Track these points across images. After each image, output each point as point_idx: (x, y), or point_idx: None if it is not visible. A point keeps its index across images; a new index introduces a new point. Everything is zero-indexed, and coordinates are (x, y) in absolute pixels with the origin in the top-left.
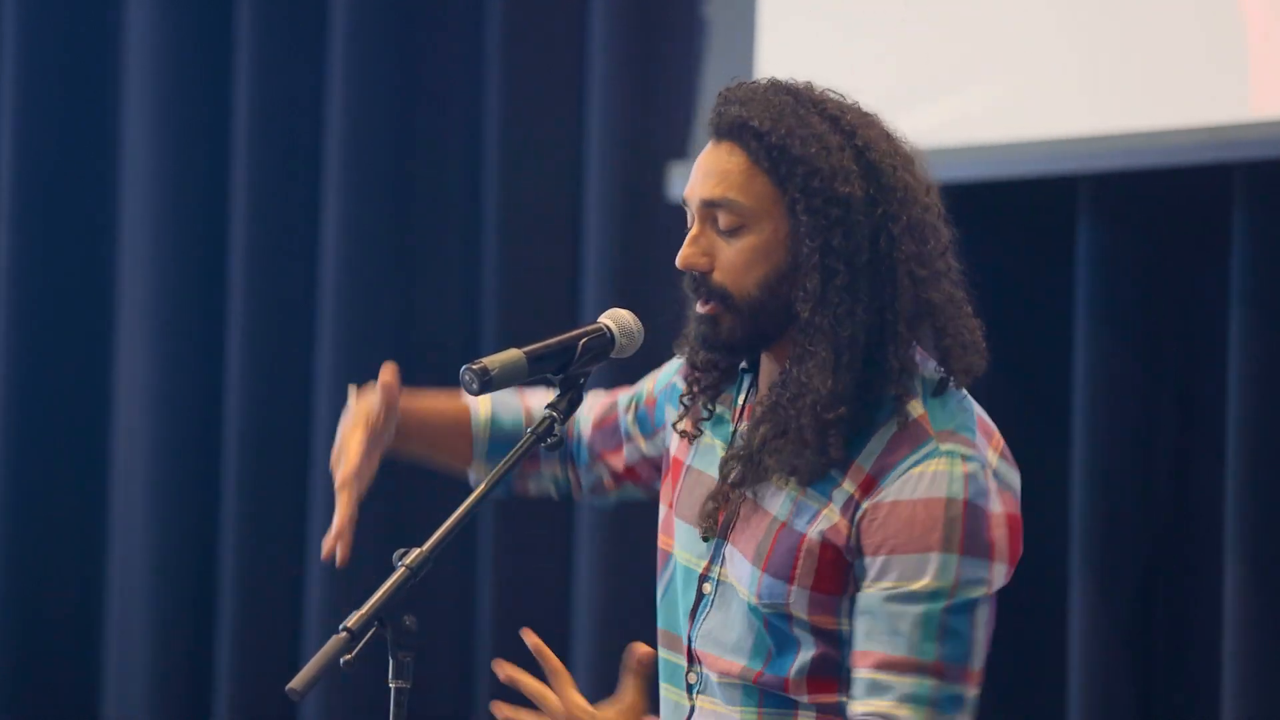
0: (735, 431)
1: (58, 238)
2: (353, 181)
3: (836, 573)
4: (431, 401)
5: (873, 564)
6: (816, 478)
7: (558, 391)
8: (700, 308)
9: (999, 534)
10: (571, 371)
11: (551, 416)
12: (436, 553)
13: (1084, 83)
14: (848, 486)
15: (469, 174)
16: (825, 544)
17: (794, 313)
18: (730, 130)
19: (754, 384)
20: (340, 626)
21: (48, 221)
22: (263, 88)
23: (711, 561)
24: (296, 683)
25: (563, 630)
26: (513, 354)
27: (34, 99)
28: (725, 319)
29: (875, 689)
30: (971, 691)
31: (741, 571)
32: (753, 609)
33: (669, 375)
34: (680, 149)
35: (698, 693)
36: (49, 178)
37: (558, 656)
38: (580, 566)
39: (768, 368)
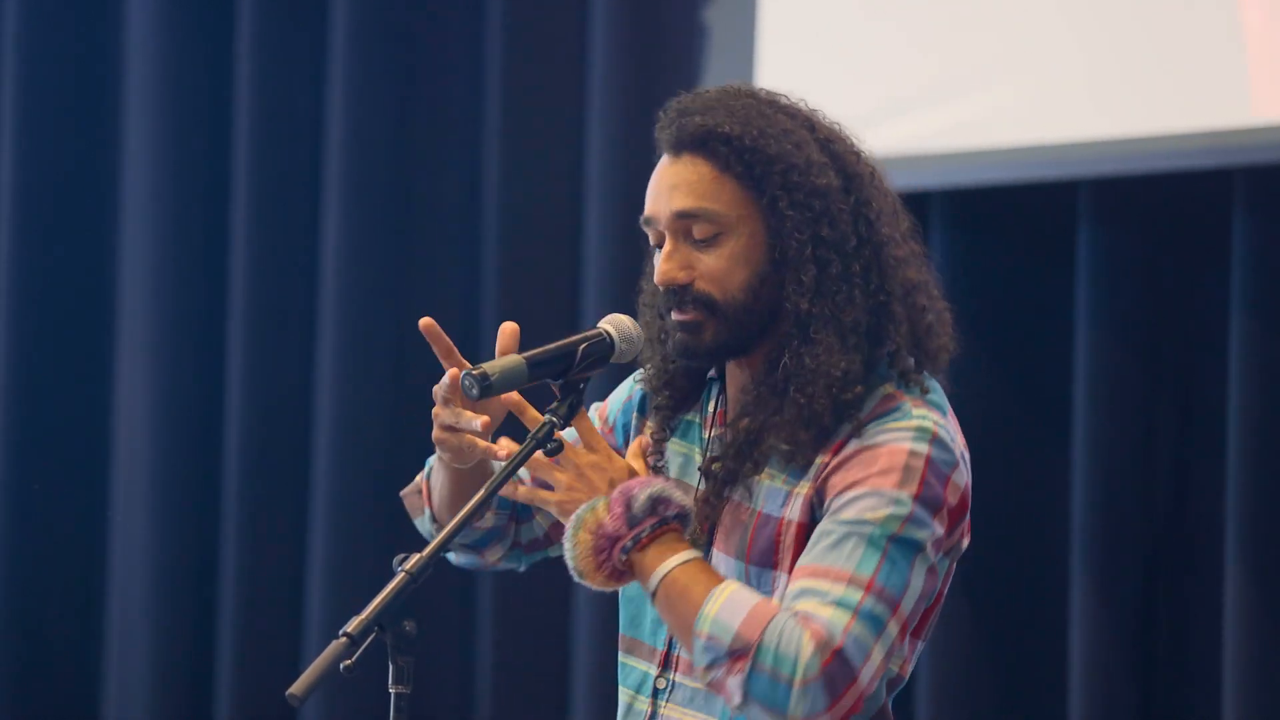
0: (709, 438)
1: (59, 244)
2: (353, 187)
3: None
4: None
5: (831, 503)
6: (808, 457)
7: (558, 397)
8: (678, 315)
9: (952, 500)
10: (572, 376)
11: (551, 422)
12: (437, 558)
13: (1085, 88)
14: (822, 460)
15: (469, 180)
16: (800, 524)
17: (779, 311)
18: (693, 141)
19: (723, 390)
20: (340, 631)
21: (49, 228)
22: (263, 95)
23: None
24: (296, 688)
25: (563, 634)
26: (513, 359)
27: (35, 106)
28: (709, 326)
29: (806, 594)
30: (894, 628)
31: (726, 570)
32: None
33: (622, 398)
34: None
35: (666, 699)
36: (50, 186)
37: (559, 660)
38: None
39: (735, 375)
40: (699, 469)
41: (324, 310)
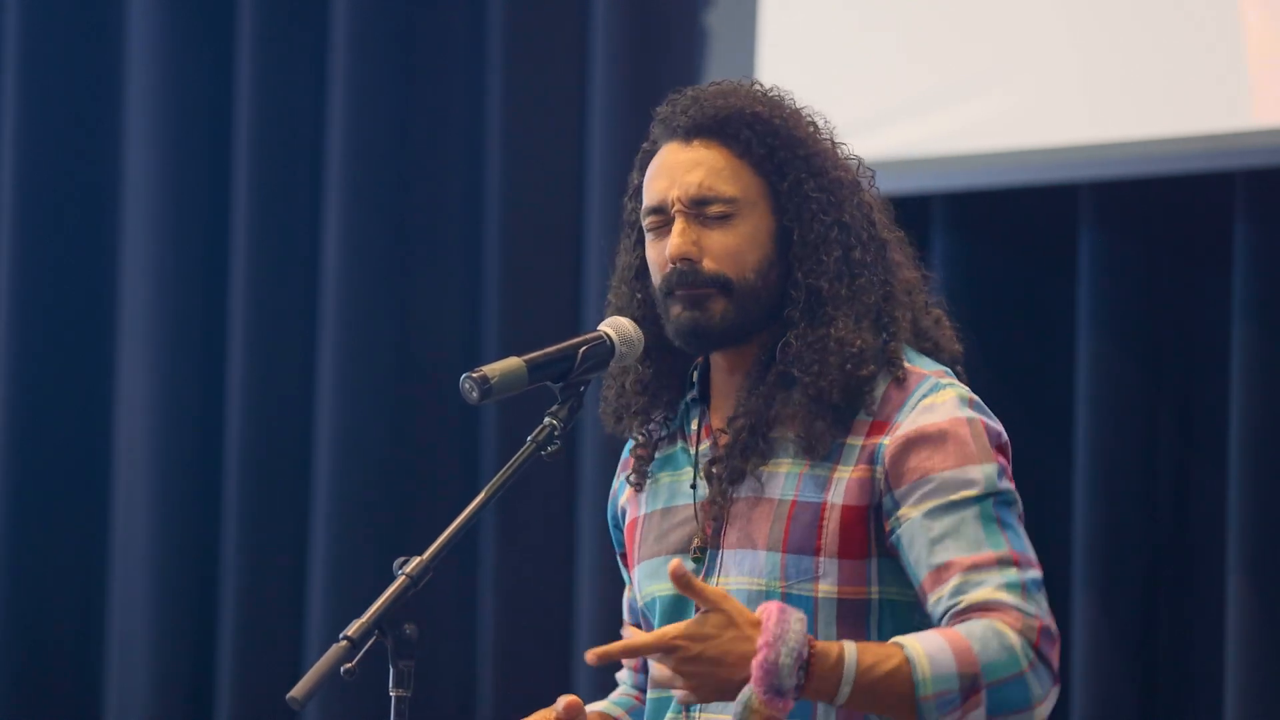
0: (697, 453)
1: (59, 244)
2: (354, 191)
3: (862, 534)
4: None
5: (912, 489)
6: (826, 445)
7: (559, 399)
8: (688, 291)
9: (1003, 444)
10: (572, 379)
11: (552, 424)
12: (437, 561)
13: (1086, 91)
14: (855, 441)
15: (470, 183)
16: (848, 506)
17: (784, 299)
18: (712, 126)
19: (707, 409)
20: (341, 635)
21: (49, 228)
22: (264, 96)
23: (706, 576)
24: (297, 692)
25: (564, 638)
26: (513, 362)
27: (36, 106)
28: (717, 304)
29: (968, 586)
30: (1041, 576)
31: (752, 564)
32: (767, 600)
33: (612, 515)
34: None
35: (700, 709)
36: (50, 186)
37: (559, 664)
38: (582, 573)
39: (724, 381)
40: (703, 472)
41: (324, 312)
